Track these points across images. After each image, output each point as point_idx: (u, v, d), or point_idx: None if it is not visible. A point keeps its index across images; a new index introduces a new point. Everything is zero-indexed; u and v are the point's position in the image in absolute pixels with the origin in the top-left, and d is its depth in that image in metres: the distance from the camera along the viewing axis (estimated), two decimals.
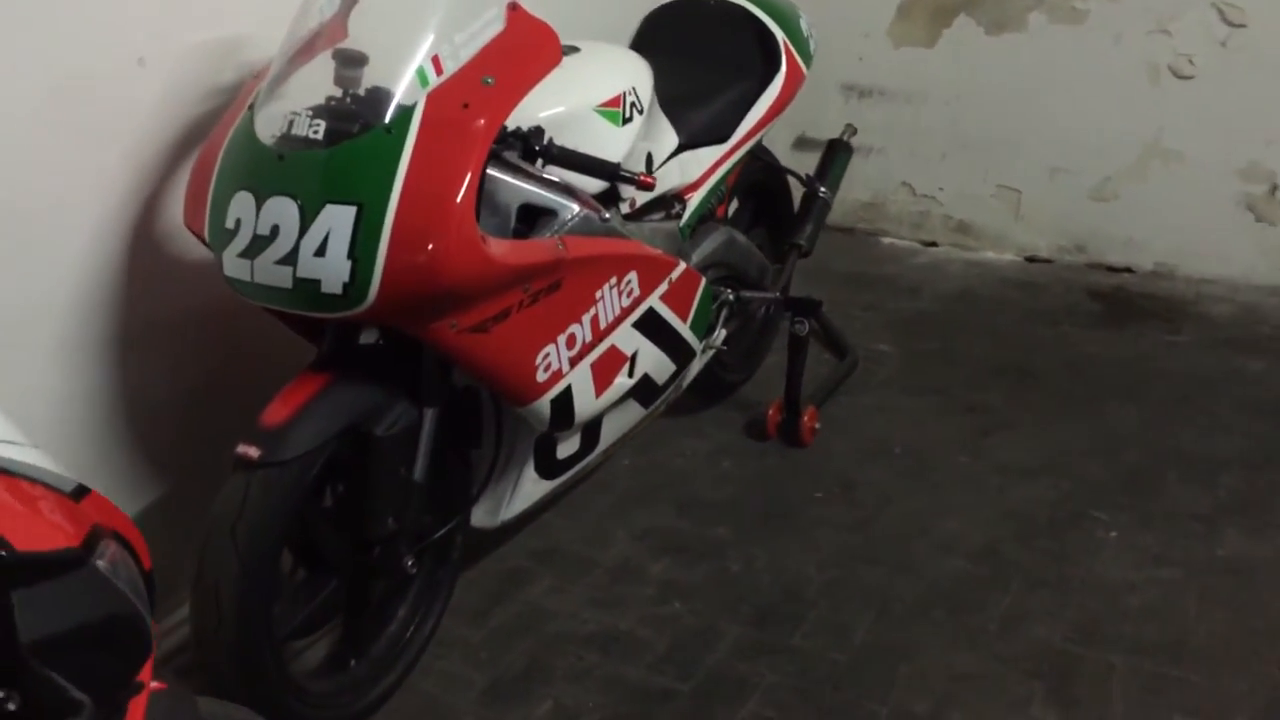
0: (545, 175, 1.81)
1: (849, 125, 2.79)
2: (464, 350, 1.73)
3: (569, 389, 1.93)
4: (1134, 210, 3.58)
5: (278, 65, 1.71)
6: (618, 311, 1.99)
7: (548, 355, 1.86)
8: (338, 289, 1.57)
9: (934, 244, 3.90)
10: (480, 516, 2.06)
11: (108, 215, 1.80)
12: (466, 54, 1.67)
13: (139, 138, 1.81)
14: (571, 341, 1.90)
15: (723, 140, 2.38)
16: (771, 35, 2.52)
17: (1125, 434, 2.73)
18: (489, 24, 1.72)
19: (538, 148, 1.75)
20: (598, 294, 1.93)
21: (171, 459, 1.99)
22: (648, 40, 2.55)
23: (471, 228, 1.58)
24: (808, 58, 2.59)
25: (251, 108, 1.69)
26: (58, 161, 1.70)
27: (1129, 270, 3.63)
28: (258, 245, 1.59)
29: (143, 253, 1.86)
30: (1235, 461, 2.60)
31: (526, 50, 1.73)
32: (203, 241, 1.72)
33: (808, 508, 2.50)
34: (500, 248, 1.66)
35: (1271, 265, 3.45)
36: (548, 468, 2.08)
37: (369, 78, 1.69)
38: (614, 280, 1.96)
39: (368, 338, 1.78)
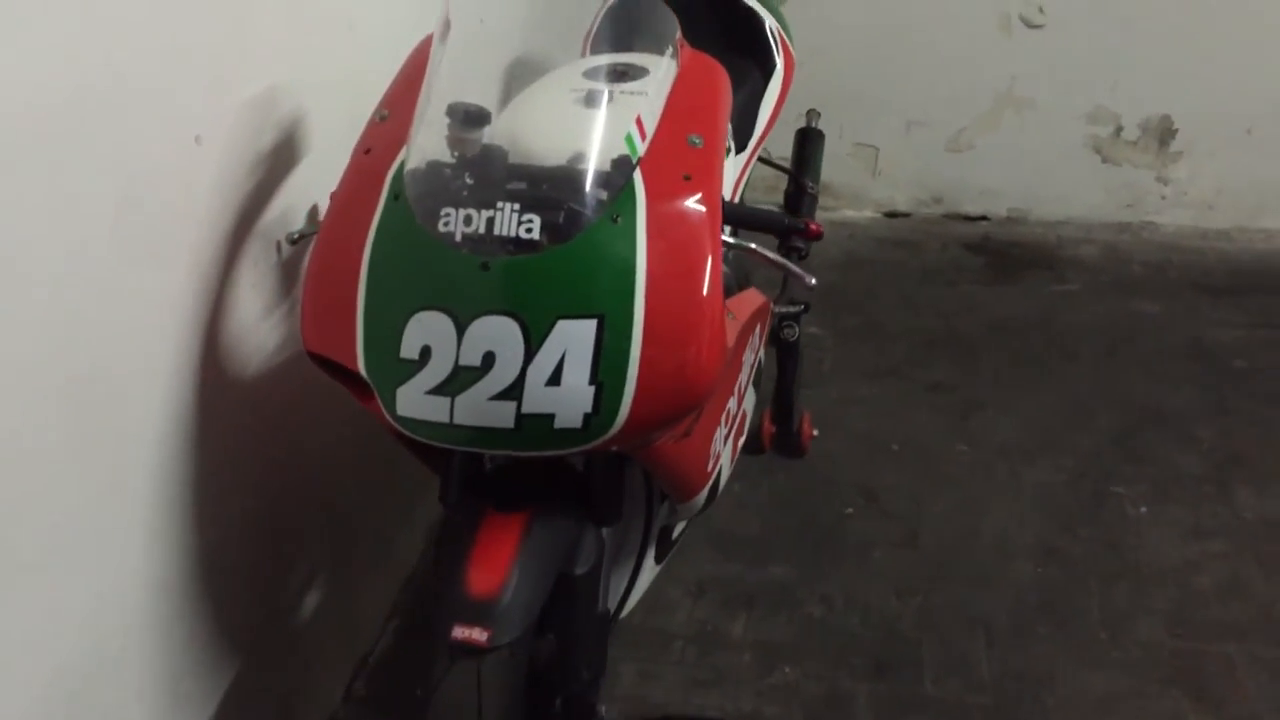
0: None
1: (813, 110, 2.61)
2: (670, 458, 1.45)
3: (720, 469, 1.68)
4: (988, 159, 3.63)
5: (421, 140, 1.32)
6: (748, 371, 1.75)
7: (715, 440, 1.60)
8: (576, 422, 1.25)
9: None
10: None
11: (181, 347, 1.36)
12: (659, 106, 1.36)
13: (202, 232, 1.38)
14: (729, 418, 1.65)
15: (743, 147, 2.14)
16: (760, 20, 2.29)
17: (1084, 397, 2.77)
18: (669, 67, 1.41)
19: None
20: (744, 358, 1.68)
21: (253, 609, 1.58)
22: (615, 36, 2.22)
23: (722, 322, 1.30)
24: (793, 42, 2.38)
25: (398, 197, 1.29)
26: (128, 290, 1.25)
27: (984, 218, 3.69)
28: (463, 379, 1.23)
29: (220, 382, 1.43)
30: (1197, 413, 2.70)
31: (707, 94, 1.44)
32: (331, 372, 1.32)
33: (846, 527, 2.37)
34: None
35: (1116, 203, 3.62)
36: (663, 551, 1.83)
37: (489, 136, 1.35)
38: (751, 339, 1.71)
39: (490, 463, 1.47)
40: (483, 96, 1.38)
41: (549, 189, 1.29)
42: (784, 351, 2.48)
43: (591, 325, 1.23)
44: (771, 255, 1.46)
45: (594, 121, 1.35)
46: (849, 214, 3.75)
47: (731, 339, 1.46)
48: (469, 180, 1.32)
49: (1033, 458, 2.55)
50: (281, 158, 1.53)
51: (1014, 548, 2.29)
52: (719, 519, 2.38)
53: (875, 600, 2.16)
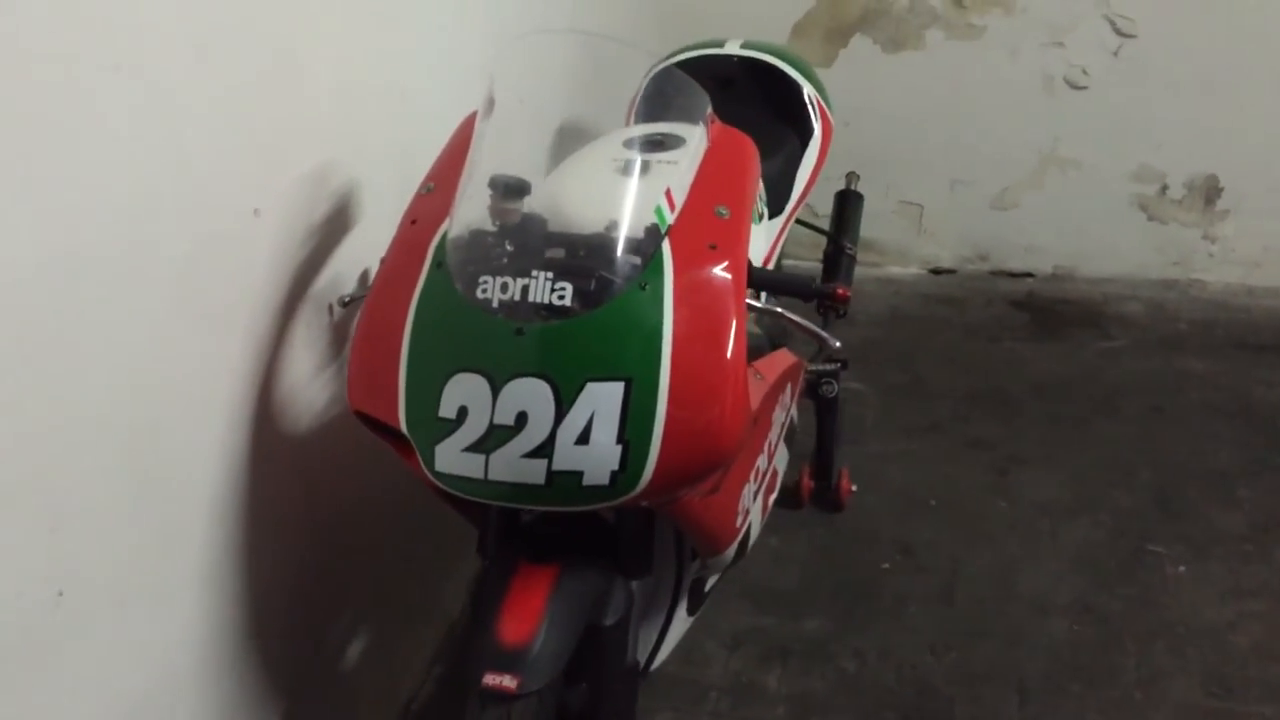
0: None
1: (852, 173, 2.68)
2: (698, 513, 1.50)
3: (750, 524, 1.73)
4: (1033, 217, 3.66)
5: (463, 212, 1.40)
6: (779, 429, 1.80)
7: (744, 496, 1.66)
8: (604, 479, 1.31)
9: None
10: None
11: (235, 404, 1.45)
12: (689, 179, 1.44)
13: (260, 297, 1.47)
14: (758, 475, 1.71)
15: (780, 211, 2.21)
16: (799, 89, 2.36)
17: (1126, 455, 2.78)
18: (700, 141, 1.48)
19: None
20: (774, 416, 1.74)
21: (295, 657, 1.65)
22: (654, 107, 2.27)
23: (745, 383, 1.36)
24: (830, 108, 2.45)
25: (440, 265, 1.38)
26: (189, 352, 1.34)
27: (1030, 275, 3.72)
28: (497, 437, 1.30)
29: (271, 436, 1.51)
30: (1237, 471, 2.70)
31: (737, 168, 1.50)
32: (374, 429, 1.39)
33: (882, 582, 2.40)
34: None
35: (1164, 260, 3.63)
36: (695, 603, 1.88)
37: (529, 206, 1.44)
38: (782, 398, 1.77)
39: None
40: (524, 169, 1.46)
41: (585, 256, 1.36)
42: (823, 407, 2.53)
43: (619, 387, 1.30)
44: (795, 318, 1.51)
45: (627, 190, 1.42)
46: (894, 270, 3.80)
47: (758, 399, 1.52)
48: (509, 248, 1.40)
49: (1072, 515, 2.57)
50: (335, 226, 1.63)
51: (1050, 605, 2.30)
52: (756, 572, 2.42)
53: (909, 656, 2.19)
